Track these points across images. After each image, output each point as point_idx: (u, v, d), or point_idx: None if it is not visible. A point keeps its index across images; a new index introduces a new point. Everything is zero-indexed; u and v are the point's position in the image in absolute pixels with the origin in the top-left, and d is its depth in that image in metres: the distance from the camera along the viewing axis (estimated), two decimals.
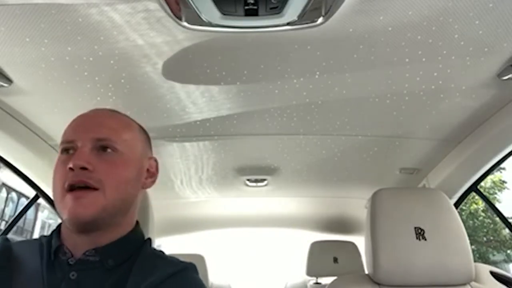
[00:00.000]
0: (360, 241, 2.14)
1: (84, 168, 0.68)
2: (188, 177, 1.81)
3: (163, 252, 0.79)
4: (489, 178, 10.05)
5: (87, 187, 0.68)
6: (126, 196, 0.74)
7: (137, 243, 0.76)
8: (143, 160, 0.79)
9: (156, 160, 0.84)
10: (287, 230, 2.84)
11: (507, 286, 1.16)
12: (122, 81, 1.09)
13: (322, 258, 2.25)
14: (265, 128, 1.39)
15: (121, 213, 0.73)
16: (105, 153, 0.71)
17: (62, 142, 0.73)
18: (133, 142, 0.78)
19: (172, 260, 0.76)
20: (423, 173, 1.72)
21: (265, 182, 1.91)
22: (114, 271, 0.69)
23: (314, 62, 1.02)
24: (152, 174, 0.81)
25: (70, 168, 0.67)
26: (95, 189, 0.68)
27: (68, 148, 0.72)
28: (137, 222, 0.80)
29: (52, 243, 0.72)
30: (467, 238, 1.12)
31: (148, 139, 0.84)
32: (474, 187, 1.59)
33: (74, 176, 0.68)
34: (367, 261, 1.17)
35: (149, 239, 0.80)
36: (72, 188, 0.67)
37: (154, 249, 0.79)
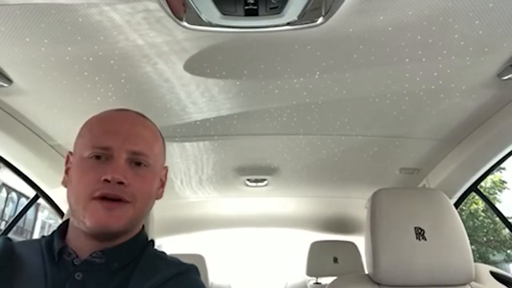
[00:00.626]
0: (360, 241, 2.14)
1: (120, 183, 0.67)
2: (188, 177, 1.81)
3: (165, 253, 0.79)
4: (489, 178, 10.05)
5: (119, 200, 0.68)
6: (149, 208, 0.76)
7: (141, 245, 0.76)
8: (161, 171, 0.80)
9: (167, 169, 0.83)
10: (287, 230, 2.84)
11: (507, 286, 1.16)
12: (122, 81, 1.09)
13: (322, 258, 2.25)
14: (265, 128, 1.39)
15: (139, 223, 0.76)
16: (139, 167, 0.71)
17: (94, 146, 0.70)
18: (160, 155, 0.78)
19: (174, 262, 0.76)
20: (423, 173, 1.72)
21: (265, 182, 1.91)
22: (118, 273, 0.69)
23: (314, 62, 1.02)
24: (163, 184, 0.81)
25: (106, 180, 0.66)
26: (127, 202, 0.68)
27: (100, 155, 0.69)
28: (142, 225, 0.80)
29: (54, 244, 0.71)
30: (467, 238, 1.12)
31: (165, 147, 0.83)
32: (474, 187, 1.59)
33: (109, 189, 0.67)
34: (367, 261, 1.17)
35: (152, 241, 0.80)
36: (102, 198, 0.67)
37: (156, 250, 0.79)
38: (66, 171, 0.75)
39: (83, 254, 0.69)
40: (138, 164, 0.71)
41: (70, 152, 0.77)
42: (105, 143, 0.70)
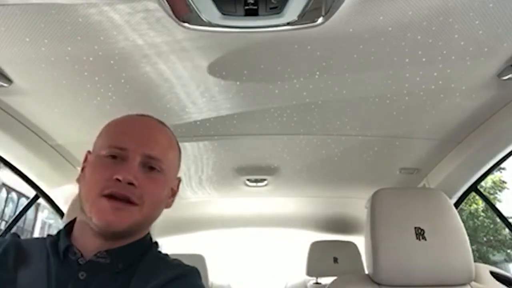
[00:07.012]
0: (360, 241, 2.14)
1: (131, 183, 0.68)
2: (188, 177, 1.81)
3: (167, 255, 0.79)
4: (489, 178, 10.04)
5: (127, 200, 0.68)
6: (157, 214, 0.76)
7: (145, 247, 0.77)
8: (174, 180, 0.80)
9: (180, 180, 0.84)
10: (287, 230, 2.84)
11: (507, 286, 1.16)
12: (122, 81, 1.09)
13: (322, 258, 2.25)
14: (265, 128, 1.39)
15: (146, 227, 0.76)
16: (151, 171, 0.72)
17: (110, 146, 0.72)
18: (174, 162, 0.79)
19: (175, 264, 0.76)
20: (423, 173, 1.72)
21: (265, 182, 1.91)
22: (121, 274, 0.70)
23: (314, 62, 1.02)
24: (174, 193, 0.82)
25: (117, 179, 0.68)
26: (135, 204, 0.69)
27: (116, 154, 0.71)
28: None
29: (60, 243, 0.72)
30: (467, 238, 1.12)
31: (180, 156, 0.84)
32: (474, 187, 1.59)
33: (119, 188, 0.68)
34: (367, 261, 1.17)
35: (156, 243, 0.80)
36: (111, 196, 0.68)
37: (159, 252, 0.79)
38: (82, 169, 0.77)
39: (88, 254, 0.70)
40: (151, 168, 0.72)
41: (89, 151, 0.78)
42: (122, 143, 0.72)
